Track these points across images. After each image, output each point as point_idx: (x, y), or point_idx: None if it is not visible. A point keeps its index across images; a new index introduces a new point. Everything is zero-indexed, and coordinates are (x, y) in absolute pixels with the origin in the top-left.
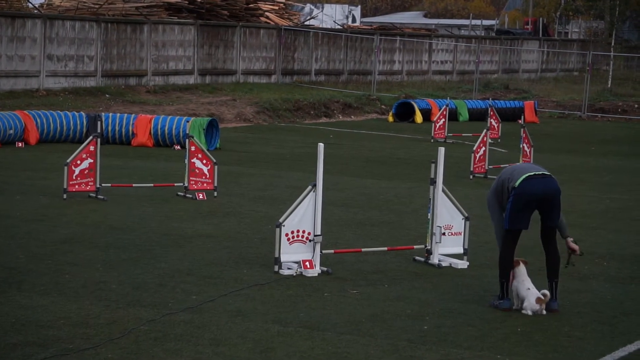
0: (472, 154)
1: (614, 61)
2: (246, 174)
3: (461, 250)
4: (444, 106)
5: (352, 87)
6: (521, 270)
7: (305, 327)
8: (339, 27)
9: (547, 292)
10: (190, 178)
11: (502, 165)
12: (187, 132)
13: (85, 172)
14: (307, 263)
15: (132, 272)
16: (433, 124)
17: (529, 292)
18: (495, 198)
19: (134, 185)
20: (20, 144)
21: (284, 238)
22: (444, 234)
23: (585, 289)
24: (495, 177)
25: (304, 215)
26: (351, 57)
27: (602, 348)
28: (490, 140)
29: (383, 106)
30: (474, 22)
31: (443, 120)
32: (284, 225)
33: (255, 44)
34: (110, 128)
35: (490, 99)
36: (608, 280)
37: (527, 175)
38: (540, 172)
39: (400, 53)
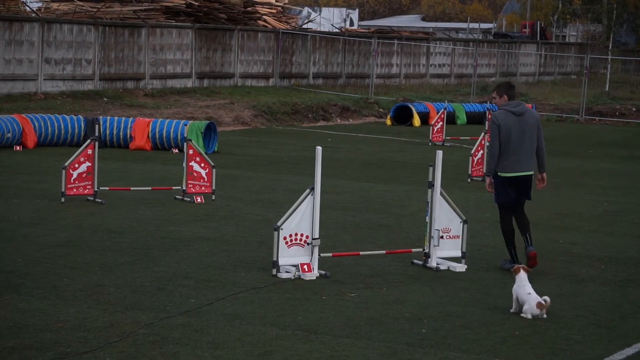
0: (470, 157)
1: (611, 64)
2: (244, 177)
3: (459, 254)
4: (442, 109)
5: (350, 91)
6: (522, 276)
7: (303, 331)
8: (336, 30)
9: (547, 298)
10: (188, 181)
11: None
12: (185, 135)
13: (83, 176)
14: (305, 266)
15: (130, 275)
16: (431, 127)
17: (529, 296)
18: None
19: (131, 188)
20: (18, 148)
21: (282, 241)
22: (442, 237)
23: (582, 292)
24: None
25: (302, 219)
26: (349, 60)
27: (600, 351)
28: (488, 144)
29: (381, 109)
30: (472, 25)
31: (441, 123)
32: (282, 229)
33: (253, 48)
34: (108, 131)
35: (488, 102)
36: (606, 283)
37: (513, 175)
38: (523, 174)
39: (398, 56)
